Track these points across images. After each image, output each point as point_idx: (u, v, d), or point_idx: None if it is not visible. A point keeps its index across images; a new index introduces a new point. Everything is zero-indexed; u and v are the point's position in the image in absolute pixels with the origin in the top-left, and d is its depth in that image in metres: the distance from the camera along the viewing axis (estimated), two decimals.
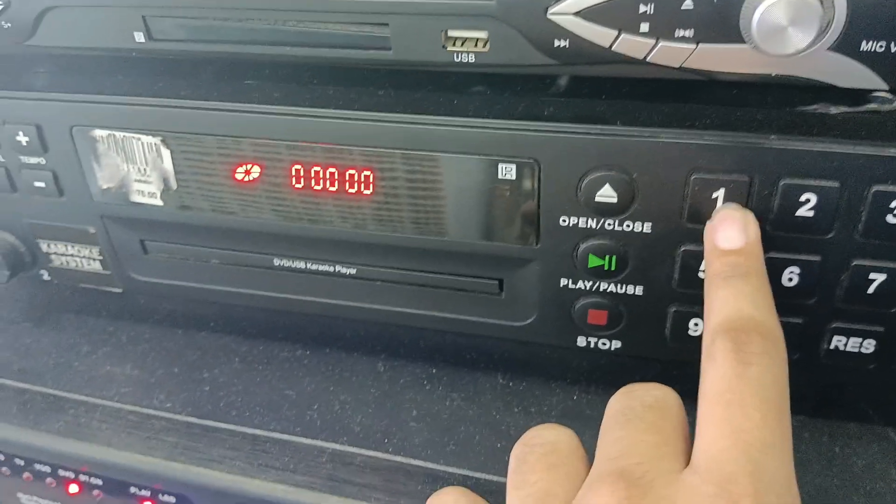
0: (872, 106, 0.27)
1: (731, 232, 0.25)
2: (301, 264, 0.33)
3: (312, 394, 0.34)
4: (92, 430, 0.34)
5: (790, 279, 0.28)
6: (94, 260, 0.36)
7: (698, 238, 0.27)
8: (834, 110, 0.27)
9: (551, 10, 0.25)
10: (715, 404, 0.21)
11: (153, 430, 0.33)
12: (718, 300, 0.24)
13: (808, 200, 0.26)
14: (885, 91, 0.26)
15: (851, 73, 0.24)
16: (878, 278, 0.27)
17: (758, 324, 0.23)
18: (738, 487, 0.19)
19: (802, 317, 0.29)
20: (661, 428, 0.22)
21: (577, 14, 0.24)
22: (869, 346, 0.29)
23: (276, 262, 0.33)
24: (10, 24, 0.30)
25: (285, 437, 0.32)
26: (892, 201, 0.26)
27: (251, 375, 0.35)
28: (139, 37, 0.29)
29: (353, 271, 0.33)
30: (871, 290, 0.27)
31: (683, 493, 0.20)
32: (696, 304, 0.28)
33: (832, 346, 0.29)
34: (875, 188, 0.26)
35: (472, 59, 0.27)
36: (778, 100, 0.27)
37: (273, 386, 0.34)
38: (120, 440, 0.33)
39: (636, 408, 0.23)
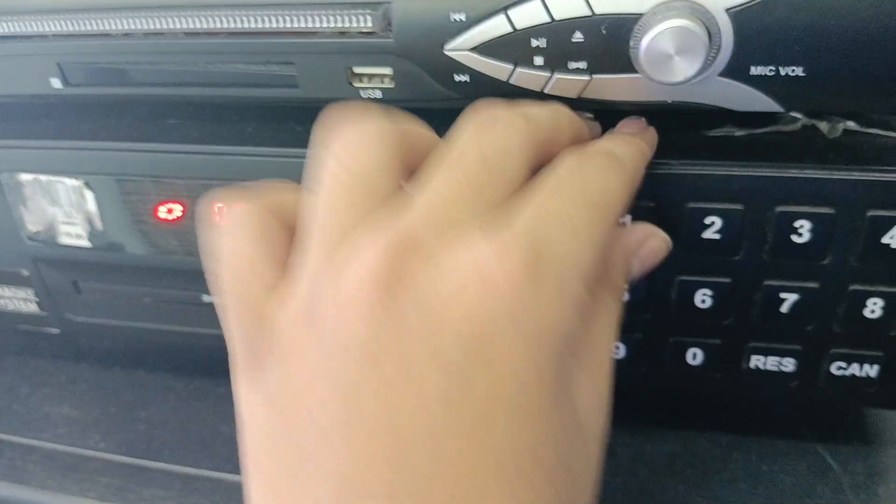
0: (777, 126, 0.28)
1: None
2: None
3: None
4: (27, 472, 0.34)
5: (703, 301, 0.28)
6: (29, 301, 0.36)
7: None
8: (739, 133, 0.28)
9: (447, 47, 0.25)
10: (535, 189, 0.20)
11: (88, 472, 0.33)
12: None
13: (712, 223, 0.27)
14: (784, 112, 0.26)
15: (745, 98, 0.24)
16: (790, 297, 0.28)
17: (618, 142, 0.23)
18: (514, 247, 0.18)
19: (720, 338, 0.29)
20: (482, 184, 0.20)
21: (472, 50, 0.25)
22: (788, 364, 0.29)
23: (205, 297, 0.33)
24: None
25: (216, 474, 0.32)
26: (795, 220, 0.26)
27: (186, 413, 0.35)
28: (56, 83, 0.30)
29: None
30: (784, 308, 0.28)
31: (458, 251, 0.19)
32: None
33: (752, 366, 0.29)
34: (779, 209, 0.26)
35: (378, 94, 0.27)
36: (685, 124, 0.28)
37: (207, 423, 0.34)
38: (55, 482, 0.33)
39: (469, 154, 0.21)
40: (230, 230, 0.22)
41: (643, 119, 0.26)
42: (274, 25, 0.26)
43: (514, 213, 0.20)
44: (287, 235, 0.22)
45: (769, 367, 0.29)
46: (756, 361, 0.29)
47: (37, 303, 0.36)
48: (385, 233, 0.19)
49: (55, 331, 0.37)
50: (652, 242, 0.25)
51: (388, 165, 0.21)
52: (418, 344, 0.18)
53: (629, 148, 0.24)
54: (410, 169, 0.22)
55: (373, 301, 0.18)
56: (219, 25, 0.27)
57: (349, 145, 0.21)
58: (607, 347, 0.22)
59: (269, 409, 0.19)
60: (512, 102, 0.22)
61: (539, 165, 0.22)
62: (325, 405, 0.18)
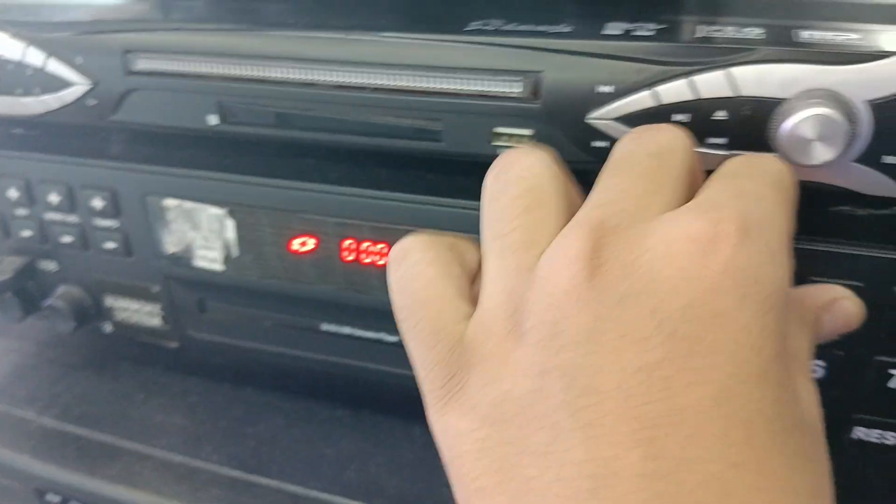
0: None
1: None
2: (347, 330, 0.35)
3: (350, 454, 0.36)
4: (144, 478, 0.36)
5: (814, 371, 0.29)
6: (155, 316, 0.39)
7: None
8: (860, 212, 0.29)
9: (590, 116, 0.27)
10: (717, 178, 0.21)
11: (200, 482, 0.35)
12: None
13: None
14: None
15: (875, 183, 0.26)
16: None
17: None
18: (721, 213, 0.18)
19: (827, 408, 0.30)
20: (658, 176, 0.21)
21: (616, 119, 0.26)
22: (890, 437, 0.30)
23: (324, 326, 0.35)
24: (96, 101, 0.33)
25: (323, 495, 0.33)
26: None
27: (293, 433, 0.37)
28: (213, 119, 0.32)
29: (395, 339, 0.34)
30: (892, 384, 0.29)
31: (660, 226, 0.19)
32: None
33: (854, 437, 0.30)
34: None
35: None
36: (811, 199, 0.29)
37: (313, 444, 0.36)
38: (169, 489, 0.35)
39: (637, 154, 0.22)
40: (411, 265, 0.22)
41: None
42: (427, 86, 0.28)
43: (704, 192, 0.20)
44: (466, 272, 0.23)
45: (872, 439, 0.30)
46: (859, 433, 0.30)
47: (161, 317, 0.39)
48: (574, 227, 0.19)
49: (175, 345, 0.39)
50: (845, 304, 0.24)
51: (560, 179, 0.22)
52: (636, 312, 0.18)
53: None
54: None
55: (579, 282, 0.18)
56: (377, 82, 0.29)
57: (510, 166, 0.22)
58: (807, 360, 0.22)
59: (483, 426, 0.19)
60: None
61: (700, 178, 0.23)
62: (552, 397, 0.18)
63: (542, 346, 0.18)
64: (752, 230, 0.19)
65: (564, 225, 0.21)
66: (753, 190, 0.20)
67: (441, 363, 0.20)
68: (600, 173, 0.22)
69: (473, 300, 0.22)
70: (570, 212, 0.21)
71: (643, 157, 0.22)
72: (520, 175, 0.22)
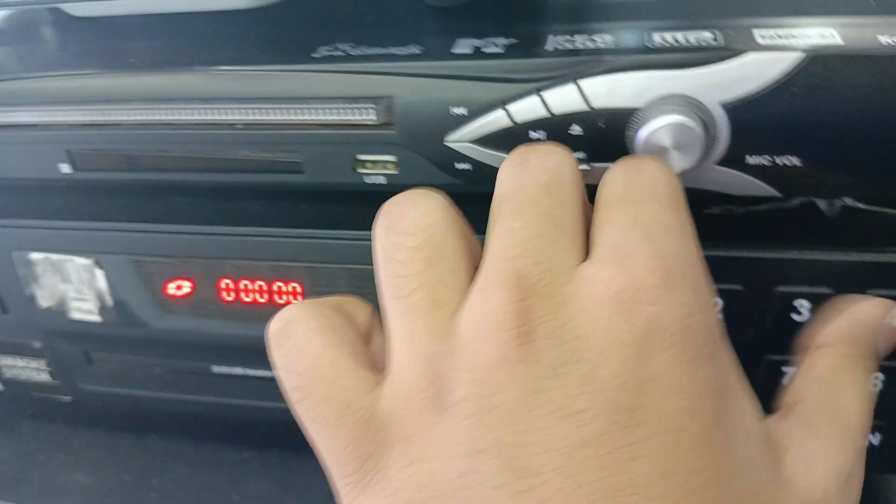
0: (775, 204, 0.28)
1: None
2: (239, 371, 0.34)
3: (258, 497, 0.34)
4: None
5: None
6: (42, 371, 0.37)
7: None
8: (738, 210, 0.28)
9: (448, 138, 0.25)
10: (609, 208, 0.20)
11: None
12: None
13: (715, 303, 0.27)
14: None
15: (743, 184, 0.25)
16: (792, 372, 0.28)
17: (648, 156, 0.22)
18: (638, 262, 0.18)
19: None
20: (559, 216, 0.20)
21: (473, 142, 0.25)
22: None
23: (215, 369, 0.34)
24: None
25: None
26: (794, 300, 0.26)
27: (199, 481, 0.35)
28: (65, 168, 0.30)
29: None
30: (786, 382, 0.28)
31: (581, 285, 0.18)
32: None
33: None
34: (778, 289, 0.26)
35: (382, 180, 0.27)
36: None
37: (221, 491, 0.35)
38: None
39: (529, 189, 0.20)
40: (296, 340, 0.20)
41: None
42: (280, 118, 0.27)
43: (607, 234, 0.19)
44: (360, 335, 0.21)
45: None
46: None
47: (49, 372, 0.37)
48: (491, 285, 0.18)
49: (68, 399, 0.38)
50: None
51: (457, 224, 0.20)
52: (570, 382, 0.17)
53: None
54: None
55: (509, 352, 0.17)
56: (227, 118, 0.27)
57: (402, 217, 0.20)
58: (855, 420, 0.21)
59: None
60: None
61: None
62: (487, 480, 0.16)
63: (471, 422, 0.17)
64: (672, 276, 0.18)
65: (470, 276, 0.19)
66: (656, 219, 0.19)
67: (352, 444, 0.18)
68: (492, 213, 0.21)
69: (373, 365, 0.20)
70: (473, 260, 0.20)
71: (537, 194, 0.20)
72: (415, 225, 0.20)
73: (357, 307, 0.22)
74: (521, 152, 0.22)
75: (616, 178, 0.21)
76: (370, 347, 0.21)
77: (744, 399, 0.19)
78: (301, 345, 0.20)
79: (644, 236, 0.18)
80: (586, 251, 0.20)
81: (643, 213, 0.19)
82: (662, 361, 0.17)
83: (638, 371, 0.17)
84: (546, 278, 0.18)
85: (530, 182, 0.20)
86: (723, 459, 0.17)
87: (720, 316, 0.19)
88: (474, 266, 0.20)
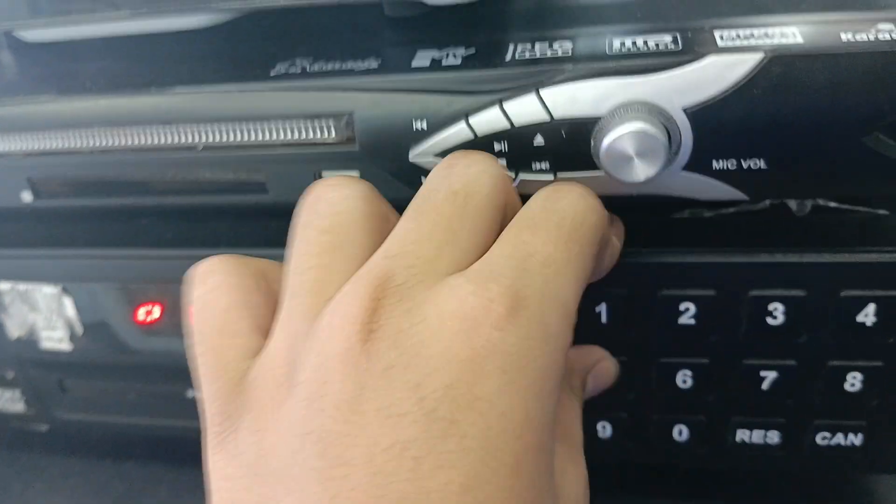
0: (745, 206, 0.28)
1: None
2: None
3: None
4: None
5: (684, 381, 0.28)
6: (17, 401, 0.36)
7: None
8: (707, 213, 0.28)
9: (412, 153, 0.25)
10: (511, 228, 0.20)
11: None
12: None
13: (687, 309, 0.27)
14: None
15: (710, 189, 0.24)
16: (770, 375, 0.28)
17: (576, 185, 0.23)
18: (497, 287, 0.18)
19: (704, 414, 0.29)
20: (455, 222, 0.20)
21: (437, 155, 0.25)
22: (773, 436, 0.29)
23: (189, 393, 0.33)
24: None
25: None
26: (769, 304, 0.26)
27: None
28: (27, 196, 0.30)
29: None
30: (765, 386, 0.28)
31: (440, 293, 0.18)
32: None
33: (738, 439, 0.29)
34: (752, 293, 0.26)
35: None
36: (654, 206, 0.28)
37: None
38: None
39: (440, 193, 0.21)
40: (210, 288, 0.21)
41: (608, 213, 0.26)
42: (241, 138, 0.26)
43: (493, 251, 0.20)
44: (269, 302, 0.21)
45: (755, 441, 0.29)
46: (741, 435, 0.29)
47: (24, 402, 0.36)
48: (360, 279, 0.19)
49: (44, 427, 0.37)
50: (604, 364, 0.27)
51: (373, 216, 0.21)
52: (399, 385, 0.17)
53: None
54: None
55: (352, 345, 0.18)
56: (186, 140, 0.27)
57: (320, 198, 0.21)
58: (579, 437, 0.23)
59: (241, 473, 0.18)
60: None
61: (510, 211, 0.22)
62: (302, 459, 0.17)
63: (306, 404, 0.18)
64: (523, 310, 0.18)
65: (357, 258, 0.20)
66: (541, 250, 0.19)
67: (220, 400, 0.20)
68: (404, 213, 0.21)
69: (264, 328, 0.21)
70: (369, 239, 0.21)
71: (444, 199, 0.20)
72: (329, 208, 0.21)
73: (274, 267, 0.23)
74: (449, 157, 0.22)
75: (535, 200, 0.22)
76: (270, 306, 0.22)
77: (553, 439, 0.20)
78: (213, 295, 0.21)
79: (518, 264, 0.19)
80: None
81: (533, 241, 0.20)
82: (493, 385, 0.17)
83: (467, 388, 0.17)
84: (411, 281, 0.18)
85: (443, 187, 0.21)
86: (532, 485, 0.17)
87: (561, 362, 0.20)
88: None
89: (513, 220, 0.21)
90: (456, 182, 0.21)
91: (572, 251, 0.20)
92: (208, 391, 0.20)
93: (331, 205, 0.21)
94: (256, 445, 0.18)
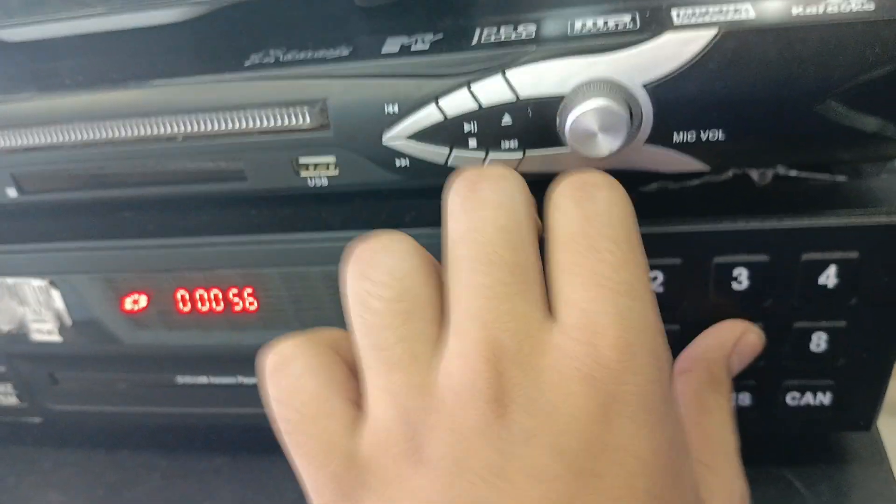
0: (709, 177, 0.29)
1: None
2: (203, 380, 0.34)
3: (233, 503, 0.35)
4: None
5: None
6: (9, 395, 0.37)
7: None
8: (673, 186, 0.29)
9: (385, 136, 0.26)
10: (566, 251, 0.20)
11: None
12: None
13: (655, 277, 0.28)
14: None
15: (672, 161, 0.26)
16: None
17: (598, 174, 0.22)
18: (605, 343, 0.19)
19: None
20: (521, 265, 0.20)
21: (409, 138, 0.26)
22: (745, 398, 0.30)
23: (179, 380, 0.34)
24: None
25: None
26: (733, 269, 0.27)
27: (172, 491, 0.36)
28: (11, 192, 0.30)
29: (252, 381, 0.34)
30: None
31: (555, 356, 0.19)
32: None
33: None
34: (716, 260, 0.27)
35: (324, 182, 0.28)
36: (620, 182, 0.29)
37: (195, 500, 0.35)
38: None
39: (489, 236, 0.20)
40: (295, 377, 0.21)
41: None
42: (218, 128, 0.27)
43: (577, 292, 0.20)
44: (349, 372, 0.22)
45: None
46: None
47: (16, 395, 0.37)
48: (469, 356, 0.19)
49: (37, 420, 0.38)
50: (748, 338, 0.27)
51: (429, 271, 0.21)
52: (541, 450, 0.18)
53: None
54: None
55: (488, 419, 0.18)
56: (165, 131, 0.27)
57: (373, 265, 0.21)
58: (729, 442, 0.25)
59: None
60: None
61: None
62: None
63: (448, 480, 0.18)
64: (634, 355, 0.19)
65: (440, 321, 0.20)
66: (616, 277, 0.20)
67: (335, 482, 0.20)
68: (450, 251, 0.21)
69: (358, 400, 0.21)
70: (441, 302, 0.21)
71: (500, 243, 0.20)
72: (389, 275, 0.20)
73: (343, 337, 0.22)
74: (469, 180, 0.21)
75: (567, 208, 0.21)
76: (353, 376, 0.22)
77: (688, 452, 0.21)
78: (299, 382, 0.21)
79: (607, 304, 0.19)
80: (544, 289, 0.20)
81: (603, 267, 0.20)
82: (623, 430, 0.18)
83: (601, 439, 0.18)
84: (520, 346, 0.19)
85: (486, 223, 0.20)
86: None
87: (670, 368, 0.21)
88: (441, 307, 0.21)
89: (558, 236, 0.21)
90: (498, 215, 0.20)
91: (640, 263, 0.20)
92: (319, 475, 0.20)
93: (390, 270, 0.20)
94: None
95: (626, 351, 0.19)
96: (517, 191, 0.21)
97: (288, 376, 0.21)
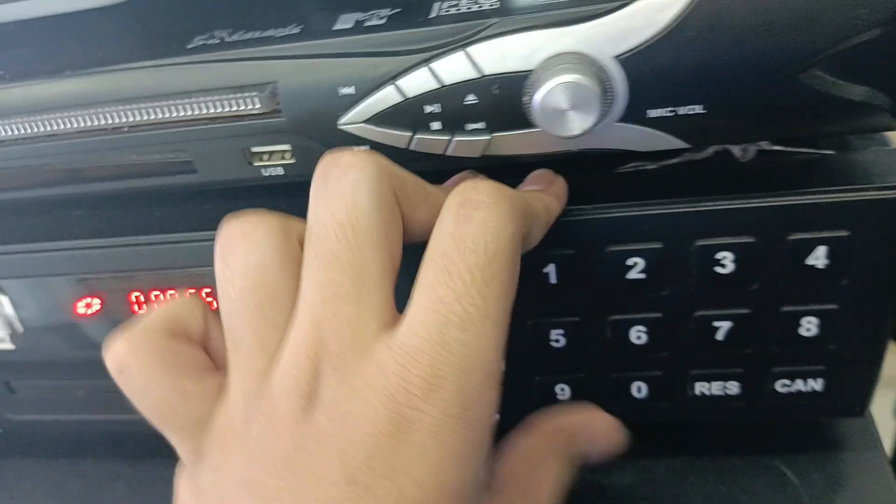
0: (688, 156, 0.27)
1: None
2: None
3: None
4: None
5: (638, 337, 0.28)
6: None
7: None
8: (650, 166, 0.27)
9: (341, 121, 0.24)
10: (428, 268, 0.20)
11: None
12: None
13: (635, 264, 0.26)
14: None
15: (648, 139, 0.24)
16: (724, 325, 0.27)
17: (489, 184, 0.21)
18: (417, 367, 0.19)
19: (661, 369, 0.29)
20: (357, 265, 0.20)
21: (367, 121, 0.24)
22: (733, 387, 0.29)
23: None
24: None
25: None
26: (717, 252, 0.26)
27: (137, 500, 0.34)
28: None
29: None
30: (719, 336, 0.27)
31: (368, 367, 0.19)
32: None
33: (698, 392, 0.29)
34: (698, 242, 0.26)
35: (280, 171, 0.26)
36: (596, 164, 0.27)
37: None
38: None
39: (328, 233, 0.20)
40: (144, 375, 0.22)
41: (549, 172, 0.26)
42: (163, 116, 0.25)
43: (412, 311, 0.20)
44: (191, 344, 0.23)
45: (714, 392, 0.29)
46: (701, 388, 0.29)
47: None
48: (299, 348, 0.20)
49: None
50: (615, 436, 0.26)
51: (278, 259, 0.21)
52: (328, 452, 0.19)
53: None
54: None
55: (293, 411, 0.20)
56: (107, 122, 0.26)
57: (231, 251, 0.21)
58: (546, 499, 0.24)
59: (192, 500, 0.21)
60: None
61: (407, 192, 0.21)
62: (247, 499, 0.20)
63: (252, 458, 0.20)
64: (440, 389, 0.19)
65: (291, 313, 0.21)
66: (458, 313, 0.19)
67: (190, 445, 0.22)
68: (305, 237, 0.21)
69: (213, 365, 0.23)
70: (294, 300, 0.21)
71: (334, 239, 0.20)
72: (244, 264, 0.21)
73: (189, 313, 0.23)
74: (322, 168, 0.21)
75: (445, 224, 0.20)
76: (210, 346, 0.23)
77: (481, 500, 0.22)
78: (143, 383, 0.22)
79: (437, 337, 0.19)
80: (391, 298, 0.20)
81: (447, 297, 0.19)
82: (410, 457, 0.19)
83: (385, 459, 0.19)
84: (343, 349, 0.20)
85: (326, 218, 0.20)
86: None
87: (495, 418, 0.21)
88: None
89: (429, 250, 0.20)
90: (337, 209, 0.20)
91: (489, 297, 0.19)
92: (178, 443, 0.22)
93: (244, 258, 0.21)
94: (207, 480, 0.21)
95: (432, 381, 0.19)
96: (364, 181, 0.20)
97: (130, 379, 0.22)
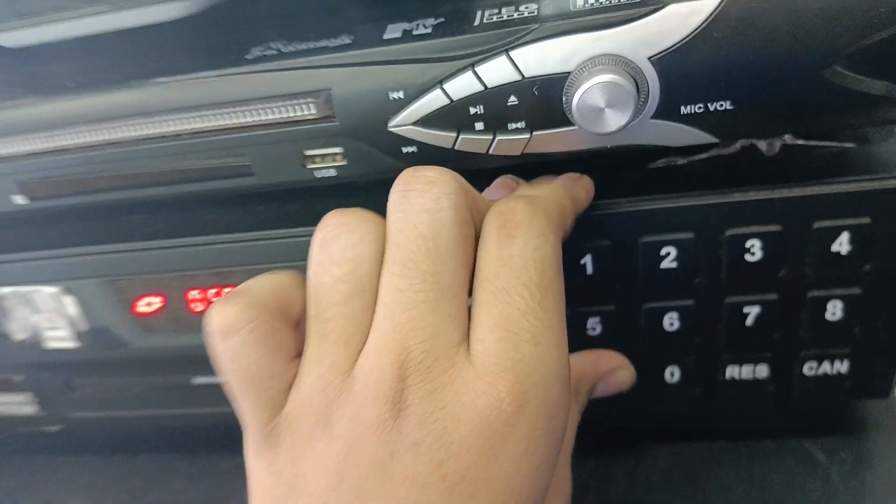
0: (717, 151, 0.29)
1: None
2: (220, 379, 0.34)
3: None
4: None
5: (671, 324, 0.29)
6: (27, 404, 0.37)
7: None
8: (681, 161, 0.29)
9: (391, 123, 0.26)
10: (485, 290, 0.21)
11: None
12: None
13: (668, 254, 0.28)
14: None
15: (680, 134, 0.25)
16: (753, 311, 0.29)
17: (526, 199, 0.22)
18: (503, 386, 0.20)
19: (694, 355, 0.30)
20: (438, 275, 0.21)
21: (415, 124, 0.26)
22: (762, 371, 0.30)
23: (195, 380, 0.34)
24: None
25: None
26: (746, 241, 0.27)
27: (194, 493, 0.36)
28: (18, 199, 0.30)
29: None
30: (749, 322, 0.29)
31: (455, 383, 0.20)
32: None
33: (728, 377, 0.31)
34: (728, 232, 0.27)
35: (332, 172, 0.28)
36: (630, 160, 0.29)
37: (218, 500, 0.35)
38: None
39: (410, 243, 0.21)
40: (238, 340, 0.22)
41: (575, 174, 0.27)
42: (223, 123, 0.27)
43: (485, 333, 0.21)
44: (290, 327, 0.23)
45: (744, 376, 0.30)
46: (731, 372, 0.30)
47: (35, 404, 0.37)
48: (383, 354, 0.20)
49: (55, 428, 0.38)
50: (621, 374, 0.29)
51: (373, 257, 0.22)
52: (425, 461, 0.20)
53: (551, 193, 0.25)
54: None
55: (384, 419, 0.20)
56: (170, 129, 0.27)
57: (333, 241, 0.22)
58: (570, 444, 0.27)
59: (275, 480, 0.21)
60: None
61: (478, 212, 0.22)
62: (336, 497, 0.20)
63: (343, 454, 0.20)
64: (528, 405, 0.20)
65: (372, 315, 0.21)
66: (526, 329, 0.20)
67: (261, 422, 0.22)
68: (386, 252, 0.22)
69: (297, 353, 0.22)
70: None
71: (416, 249, 0.21)
72: (342, 254, 0.22)
73: (296, 296, 0.23)
74: (403, 181, 0.22)
75: (489, 247, 0.22)
76: (298, 329, 0.23)
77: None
78: (242, 350, 0.22)
79: (510, 348, 0.20)
80: (465, 310, 0.21)
81: (511, 311, 0.21)
82: (505, 470, 0.20)
83: (482, 471, 0.20)
84: (428, 360, 0.20)
85: (409, 228, 0.21)
86: None
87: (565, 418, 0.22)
88: None
89: (479, 272, 0.21)
90: (419, 221, 0.21)
91: (549, 308, 0.21)
92: (251, 416, 0.22)
93: (344, 249, 0.22)
94: (291, 470, 0.21)
95: (519, 398, 0.20)
96: (446, 196, 0.21)
97: (231, 344, 0.22)
